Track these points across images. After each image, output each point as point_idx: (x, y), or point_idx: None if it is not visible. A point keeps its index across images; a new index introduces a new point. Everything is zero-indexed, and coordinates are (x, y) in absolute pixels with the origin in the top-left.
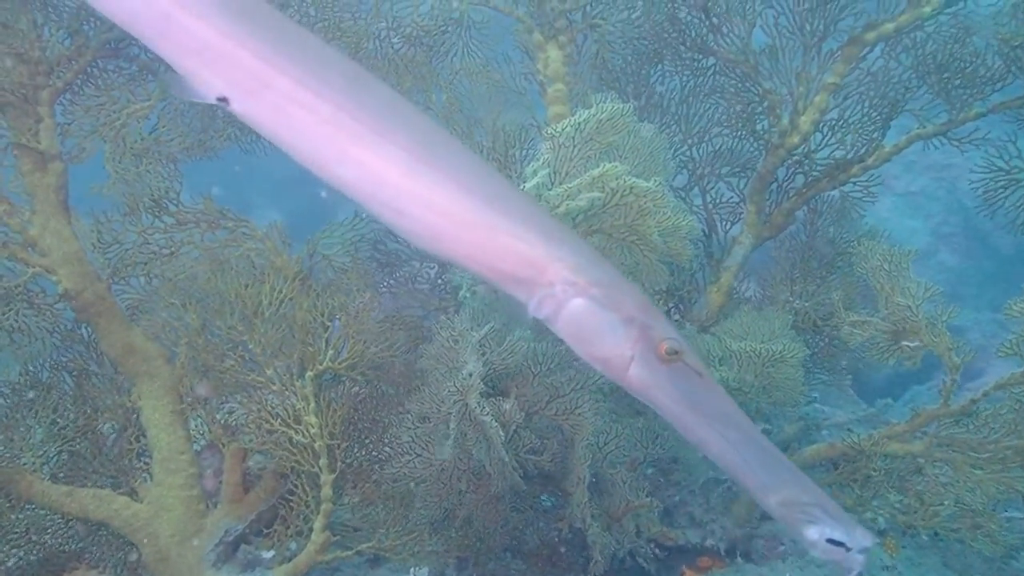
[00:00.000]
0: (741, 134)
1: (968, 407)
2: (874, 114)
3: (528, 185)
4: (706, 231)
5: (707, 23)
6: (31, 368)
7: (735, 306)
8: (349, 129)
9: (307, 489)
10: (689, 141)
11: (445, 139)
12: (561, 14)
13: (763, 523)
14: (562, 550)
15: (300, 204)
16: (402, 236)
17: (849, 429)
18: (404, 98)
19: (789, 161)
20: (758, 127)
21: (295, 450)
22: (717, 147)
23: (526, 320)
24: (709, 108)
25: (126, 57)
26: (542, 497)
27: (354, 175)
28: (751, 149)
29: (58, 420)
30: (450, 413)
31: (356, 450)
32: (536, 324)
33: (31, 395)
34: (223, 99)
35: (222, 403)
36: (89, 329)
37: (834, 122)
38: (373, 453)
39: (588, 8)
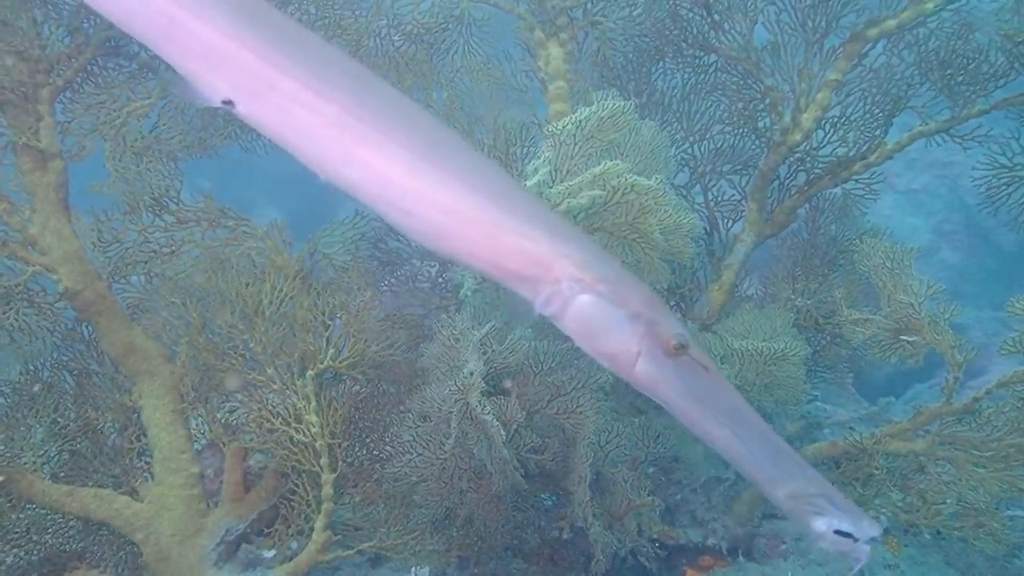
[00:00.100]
0: (743, 131)
1: (971, 405)
2: (876, 111)
3: (529, 183)
4: (708, 229)
5: (709, 20)
6: (32, 367)
7: (737, 304)
8: (354, 130)
9: (308, 488)
10: (691, 138)
11: (450, 138)
12: (562, 11)
13: (765, 522)
14: (563, 549)
15: (300, 203)
16: (408, 236)
17: (851, 427)
18: (408, 98)
19: (791, 158)
20: (760, 124)
21: (296, 449)
22: (719, 144)
23: (532, 318)
24: (711, 105)
25: (126, 55)
26: (543, 496)
27: (360, 176)
28: (753, 146)
29: (59, 419)
30: (451, 412)
31: (357, 449)
32: (539, 323)
33: (32, 393)
34: (228, 102)
35: (223, 402)
36: (89, 328)
37: (836, 119)
38: (374, 452)
39: (589, 5)
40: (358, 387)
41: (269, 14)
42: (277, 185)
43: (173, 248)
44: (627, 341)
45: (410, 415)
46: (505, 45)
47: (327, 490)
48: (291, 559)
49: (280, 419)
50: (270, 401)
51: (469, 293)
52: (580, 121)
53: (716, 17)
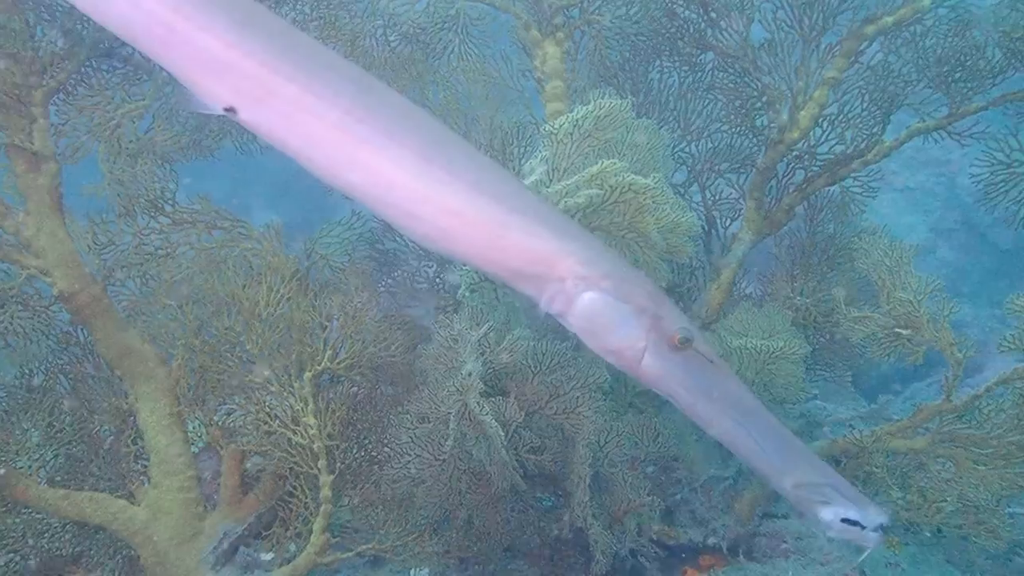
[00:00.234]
0: (740, 130)
1: (970, 402)
2: (874, 108)
3: (526, 182)
4: (706, 228)
5: (705, 18)
6: (27, 371)
7: (735, 303)
8: (357, 134)
9: (306, 490)
10: (688, 137)
11: (452, 140)
12: (558, 10)
13: (765, 521)
14: (563, 550)
15: (298, 205)
16: (414, 239)
17: (851, 425)
18: (410, 101)
19: (789, 156)
20: (757, 123)
21: (294, 451)
22: (716, 143)
23: (538, 316)
24: (708, 104)
25: (120, 57)
26: (543, 497)
27: (364, 179)
28: (750, 145)
29: (54, 423)
30: (449, 413)
31: (355, 451)
32: (537, 322)
33: (26, 398)
34: (230, 109)
35: (220, 404)
36: (85, 331)
37: (834, 117)
38: (372, 454)
39: (586, 4)
40: (356, 388)
41: (268, 20)
42: (274, 188)
43: (169, 250)
44: (633, 336)
45: (408, 416)
46: (501, 45)
47: (325, 492)
48: (289, 562)
49: (278, 421)
50: (267, 403)
51: (467, 293)
52: (577, 120)
53: (713, 15)
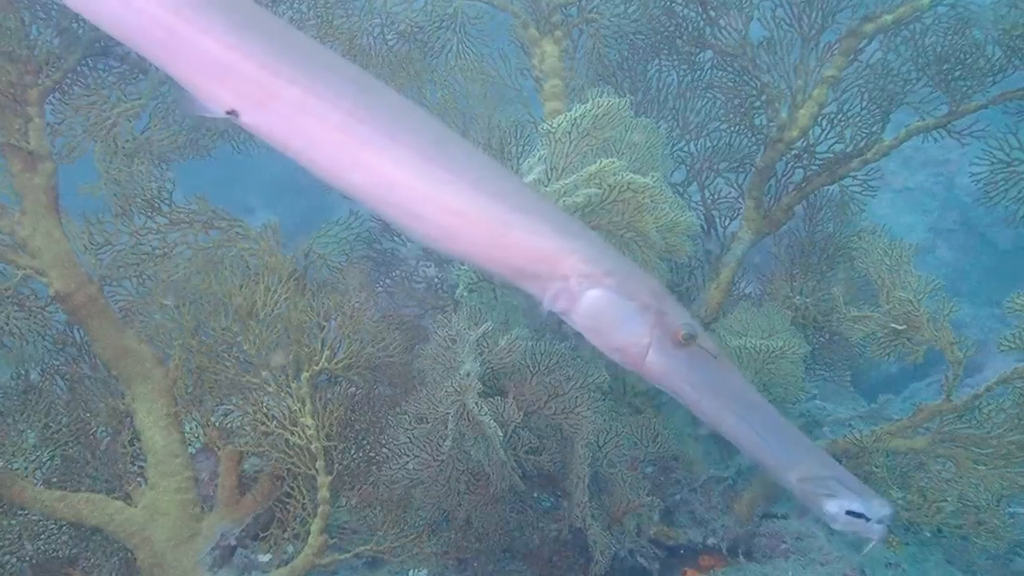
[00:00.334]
0: (739, 129)
1: (970, 402)
2: (873, 107)
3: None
4: (705, 227)
5: (704, 16)
6: (23, 372)
7: (734, 302)
8: (359, 135)
9: (304, 491)
10: (687, 136)
11: (453, 139)
12: (556, 9)
13: (765, 521)
14: (562, 550)
15: (296, 205)
16: (416, 238)
17: (850, 425)
18: (411, 101)
19: (788, 155)
20: (756, 121)
21: (291, 452)
22: (715, 142)
23: (540, 315)
24: (707, 103)
25: (116, 56)
26: (542, 497)
27: (366, 180)
28: (749, 144)
29: (51, 424)
30: (448, 413)
31: (353, 452)
32: (536, 322)
33: (22, 399)
34: (232, 112)
35: (217, 405)
36: (81, 331)
37: (833, 115)
38: (370, 454)
39: (584, 2)
40: (354, 389)
41: (269, 22)
42: (273, 188)
43: (166, 250)
44: (637, 334)
45: (406, 417)
46: (499, 43)
47: (323, 493)
48: (287, 563)
49: (275, 422)
50: (265, 404)
51: (465, 293)
52: (575, 119)
53: (711, 13)
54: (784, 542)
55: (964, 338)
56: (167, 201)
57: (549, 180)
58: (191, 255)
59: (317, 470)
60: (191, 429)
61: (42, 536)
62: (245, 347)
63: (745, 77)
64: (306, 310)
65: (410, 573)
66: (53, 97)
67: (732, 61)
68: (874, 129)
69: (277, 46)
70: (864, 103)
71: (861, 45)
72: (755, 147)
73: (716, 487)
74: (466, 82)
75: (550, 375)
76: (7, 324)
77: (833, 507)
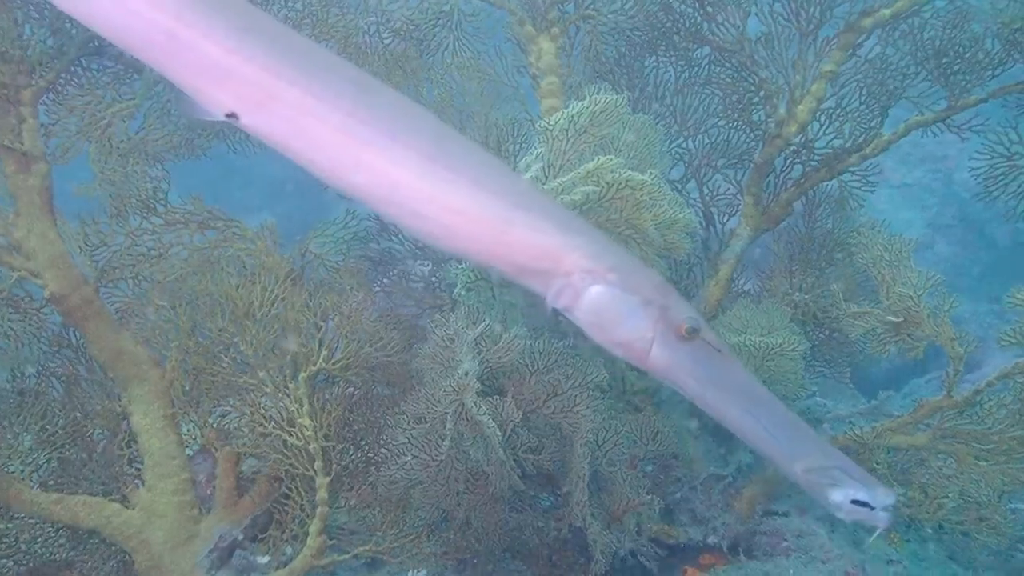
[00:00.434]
0: (737, 125)
1: (971, 398)
2: (872, 102)
3: None
4: (703, 224)
5: (701, 11)
6: (18, 374)
7: (733, 299)
8: (361, 135)
9: (302, 492)
10: (685, 132)
11: (454, 137)
12: (553, 5)
13: (766, 519)
14: (562, 550)
15: (293, 206)
16: (419, 237)
17: (851, 422)
18: (411, 100)
19: (787, 151)
20: (754, 117)
21: (289, 453)
22: (713, 138)
23: (545, 312)
24: (705, 99)
25: (110, 55)
26: (541, 497)
27: (368, 181)
28: (748, 140)
29: (47, 426)
30: (446, 413)
31: (352, 452)
32: (535, 320)
33: (18, 401)
34: (232, 115)
35: (214, 406)
36: (77, 333)
37: (832, 111)
38: (369, 455)
39: None
40: (352, 389)
41: (267, 24)
42: (270, 189)
43: (161, 251)
44: (641, 328)
45: (405, 417)
46: (496, 41)
47: (322, 494)
48: (286, 564)
49: (273, 423)
50: (262, 404)
51: (463, 292)
52: (572, 116)
53: (709, 9)
54: (785, 540)
55: (965, 334)
56: (162, 201)
57: (546, 178)
58: (187, 256)
59: (315, 471)
60: (188, 431)
61: (38, 539)
62: (242, 348)
63: (743, 73)
64: (303, 310)
65: (409, 574)
66: (47, 97)
67: (730, 57)
68: (873, 124)
69: (276, 48)
70: (863, 98)
71: (859, 40)
72: (753, 143)
73: (716, 485)
74: (463, 80)
75: (549, 374)
76: (2, 326)
77: (838, 496)
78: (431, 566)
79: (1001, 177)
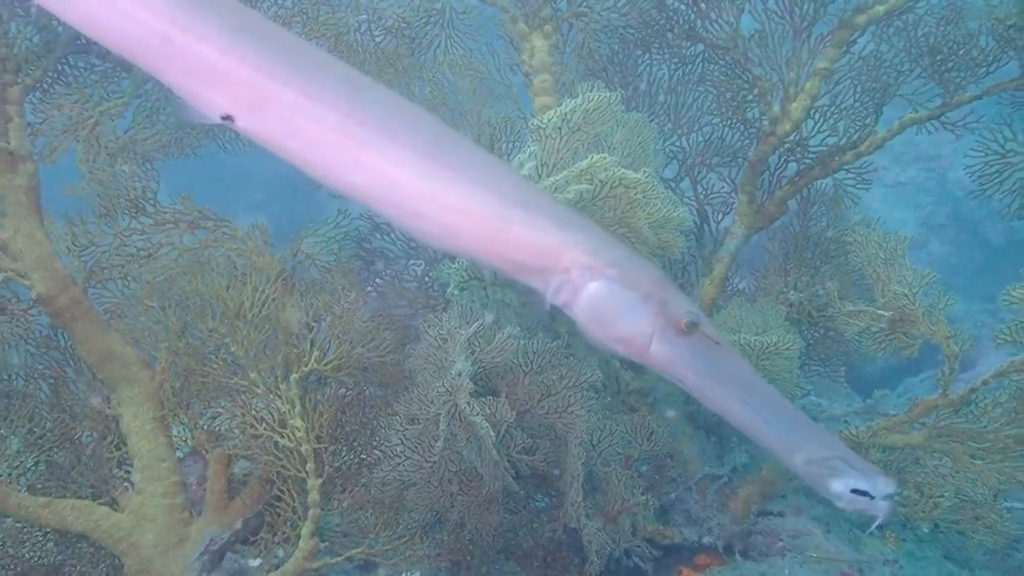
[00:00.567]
0: (731, 122)
1: (967, 396)
2: (866, 99)
3: None
4: (698, 222)
5: (695, 9)
6: (5, 376)
7: (728, 298)
8: (357, 135)
9: (294, 495)
10: (679, 130)
11: (451, 136)
12: (546, 3)
13: (761, 519)
14: (557, 551)
15: (287, 206)
16: (417, 237)
17: (846, 421)
18: (407, 99)
19: (781, 149)
20: (748, 115)
21: (281, 455)
22: (707, 136)
23: (540, 310)
24: (698, 97)
25: (97, 53)
26: (535, 497)
27: (366, 181)
28: (742, 137)
29: (34, 429)
30: (439, 414)
31: (344, 453)
32: (529, 320)
33: (5, 403)
34: (227, 117)
35: (205, 408)
36: (65, 335)
37: (826, 108)
38: (362, 456)
39: None
40: (344, 390)
41: (261, 25)
42: (261, 188)
43: (151, 251)
44: (640, 323)
45: (398, 418)
46: (488, 38)
47: (314, 496)
48: (278, 567)
49: (264, 424)
50: (253, 406)
51: (456, 292)
52: (565, 114)
53: (702, 6)
54: (780, 540)
55: (960, 332)
56: (152, 201)
57: (540, 176)
58: (177, 256)
59: (307, 473)
60: (179, 433)
61: (26, 544)
62: (233, 349)
63: (737, 70)
64: (295, 310)
65: None
66: (34, 96)
67: (723, 54)
68: (867, 121)
69: (270, 48)
70: (857, 95)
71: (853, 37)
72: (748, 141)
73: (711, 485)
74: (455, 78)
75: (543, 374)
76: None
77: (838, 486)
78: (425, 568)
79: (995, 175)
